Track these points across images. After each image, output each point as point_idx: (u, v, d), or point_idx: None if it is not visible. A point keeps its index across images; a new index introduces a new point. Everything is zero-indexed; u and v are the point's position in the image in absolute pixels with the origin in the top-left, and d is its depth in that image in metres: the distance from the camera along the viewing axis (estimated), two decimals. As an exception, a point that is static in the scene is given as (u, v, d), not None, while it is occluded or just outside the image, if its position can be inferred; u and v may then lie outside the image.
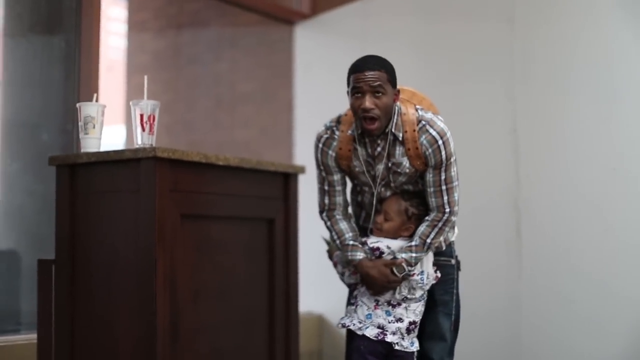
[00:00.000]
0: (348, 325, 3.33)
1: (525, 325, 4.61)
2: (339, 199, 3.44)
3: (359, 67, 3.15)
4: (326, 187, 3.43)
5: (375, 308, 3.29)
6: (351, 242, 3.35)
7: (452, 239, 3.47)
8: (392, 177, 3.30)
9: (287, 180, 3.78)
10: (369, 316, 3.28)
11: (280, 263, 3.71)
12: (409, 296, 3.28)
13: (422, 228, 3.27)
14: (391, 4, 5.46)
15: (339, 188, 3.43)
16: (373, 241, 3.34)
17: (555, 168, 4.56)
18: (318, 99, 5.92)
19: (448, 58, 5.11)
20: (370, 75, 3.10)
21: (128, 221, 3.17)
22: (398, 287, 3.26)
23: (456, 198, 3.29)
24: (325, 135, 3.37)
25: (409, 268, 3.24)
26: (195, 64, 7.35)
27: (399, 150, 3.24)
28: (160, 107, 3.31)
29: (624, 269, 4.29)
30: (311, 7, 6.21)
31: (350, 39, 5.74)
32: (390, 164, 3.26)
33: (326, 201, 3.44)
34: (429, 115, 3.23)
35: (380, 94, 3.11)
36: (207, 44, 7.32)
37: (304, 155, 5.69)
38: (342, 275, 3.44)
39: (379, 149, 3.26)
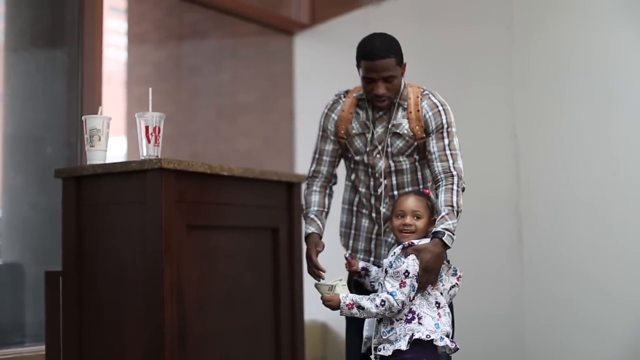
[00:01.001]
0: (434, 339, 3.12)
1: (528, 328, 4.64)
2: (323, 169, 3.53)
3: (368, 54, 3.30)
4: (317, 155, 3.55)
5: (439, 316, 3.14)
6: (311, 216, 3.46)
7: None
8: (390, 140, 3.36)
9: (291, 189, 3.82)
10: (437, 325, 3.12)
11: (284, 271, 3.74)
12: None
13: (442, 197, 3.23)
14: (390, 12, 5.49)
15: (326, 158, 3.53)
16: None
17: (555, 173, 4.59)
18: (319, 107, 5.89)
19: (448, 65, 5.15)
20: (381, 64, 3.26)
21: (134, 232, 3.20)
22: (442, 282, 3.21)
23: (461, 166, 3.32)
24: (332, 101, 3.56)
25: (453, 237, 3.18)
26: (196, 75, 7.38)
27: (400, 113, 3.36)
28: (163, 118, 3.35)
29: (624, 271, 4.32)
30: (310, 16, 6.25)
31: (350, 48, 5.70)
32: (390, 126, 3.35)
33: (312, 167, 3.56)
34: (436, 93, 3.41)
35: (391, 80, 3.28)
36: (208, 55, 7.35)
37: (305, 164, 5.70)
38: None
39: (380, 112, 3.39)
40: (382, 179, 3.39)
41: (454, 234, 3.16)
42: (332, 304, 3.06)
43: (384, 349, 3.08)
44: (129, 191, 3.23)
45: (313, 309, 4.61)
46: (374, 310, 3.02)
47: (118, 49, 8.46)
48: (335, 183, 3.59)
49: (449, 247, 3.15)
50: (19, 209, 4.99)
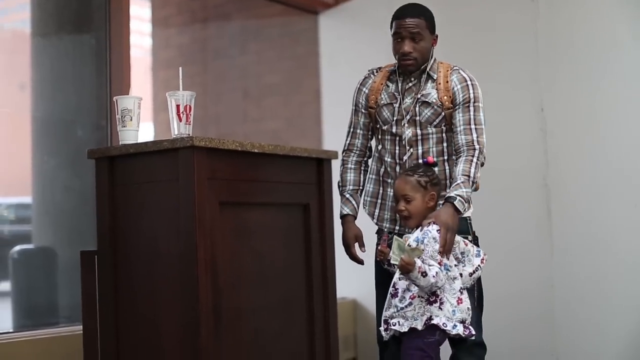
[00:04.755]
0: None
1: (558, 303, 4.65)
2: (357, 142, 3.67)
3: (400, 14, 3.46)
4: (351, 129, 3.69)
5: (458, 303, 3.16)
6: (347, 195, 3.64)
7: (469, 214, 3.45)
8: (419, 109, 3.42)
9: (320, 165, 3.83)
10: (454, 312, 3.15)
11: (316, 247, 3.76)
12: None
13: (460, 166, 3.31)
14: (414, -10, 5.49)
15: (359, 131, 3.66)
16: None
17: (583, 146, 4.59)
18: (344, 87, 5.90)
19: (473, 40, 5.14)
20: (410, 22, 3.41)
21: (168, 210, 3.23)
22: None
23: (484, 141, 3.38)
24: (364, 76, 3.68)
25: (466, 204, 3.25)
26: (221, 57, 7.40)
27: (430, 84, 3.45)
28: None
29: (656, 244, 4.32)
30: (334, -4, 6.25)
31: (375, 27, 5.77)
32: (419, 95, 3.43)
33: (347, 141, 3.69)
34: (466, 70, 3.49)
35: (418, 39, 3.41)
36: (232, 37, 7.37)
37: (332, 143, 5.72)
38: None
39: (410, 84, 3.47)
40: (408, 147, 3.44)
41: (466, 201, 3.23)
42: (409, 267, 3.01)
43: (398, 324, 3.12)
44: (162, 170, 3.26)
45: (344, 286, 4.65)
46: (431, 280, 3.04)
47: (142, 35, 8.49)
48: (370, 157, 3.68)
49: (460, 213, 3.22)
50: (51, 192, 5.05)
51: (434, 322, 3.08)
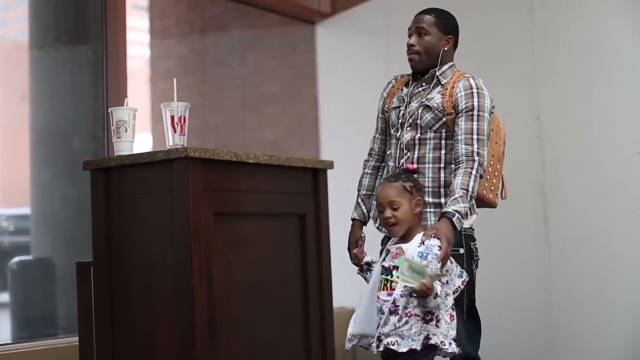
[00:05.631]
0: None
1: (555, 309, 4.64)
2: (376, 147, 3.66)
3: (416, 13, 3.51)
4: (374, 134, 3.69)
5: (451, 320, 3.09)
6: (358, 200, 3.62)
7: (467, 224, 3.37)
8: (421, 112, 3.38)
9: (317, 175, 3.83)
10: (448, 329, 3.09)
11: (312, 257, 3.76)
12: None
13: (459, 179, 3.21)
14: (411, -1, 5.51)
15: (378, 136, 3.66)
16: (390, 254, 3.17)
17: (580, 153, 4.59)
18: (342, 96, 5.97)
19: (470, 48, 5.11)
20: (418, 17, 3.48)
21: (163, 221, 3.24)
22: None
23: (485, 153, 3.29)
24: (389, 81, 3.67)
25: (463, 220, 3.17)
26: (219, 67, 7.42)
27: (437, 89, 3.42)
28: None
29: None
30: (331, 5, 6.26)
31: (372, 35, 5.79)
32: (424, 100, 3.40)
33: (370, 146, 3.69)
34: (478, 79, 3.45)
35: (423, 34, 3.43)
36: (230, 47, 7.39)
37: (331, 152, 5.75)
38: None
39: (420, 89, 3.45)
40: (405, 151, 3.41)
41: (464, 217, 3.17)
42: (429, 292, 2.91)
43: (396, 344, 3.01)
44: (157, 181, 3.27)
45: (341, 296, 4.64)
46: (439, 300, 2.97)
47: (141, 46, 8.51)
48: (387, 157, 3.61)
49: (456, 229, 3.15)
50: (49, 203, 5.06)
51: (432, 341, 3.00)
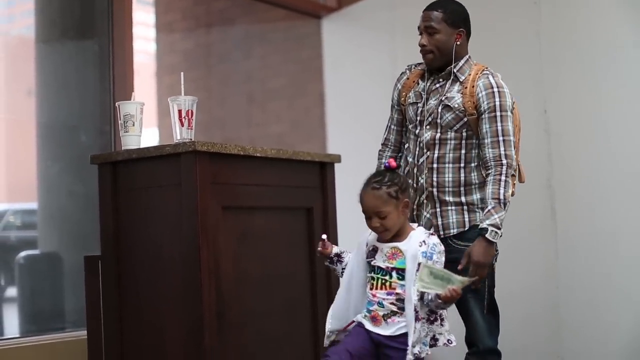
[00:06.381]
0: None
1: (563, 302, 4.64)
2: (391, 137, 3.61)
3: (424, 9, 3.42)
4: (388, 123, 3.63)
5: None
6: None
7: None
8: (441, 111, 3.33)
9: (324, 169, 3.84)
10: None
11: (320, 251, 3.76)
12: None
13: (489, 189, 3.22)
14: (417, -7, 5.50)
15: (393, 127, 3.60)
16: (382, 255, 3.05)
17: (588, 147, 4.59)
18: (348, 90, 5.97)
19: (476, 43, 5.10)
20: (425, 15, 3.39)
21: (170, 215, 3.25)
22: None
23: (513, 154, 3.28)
24: (402, 72, 3.60)
25: (499, 231, 3.19)
26: (225, 61, 7.42)
27: (457, 87, 3.36)
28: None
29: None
30: (337, 0, 6.26)
31: (378, 30, 5.78)
32: (443, 98, 3.35)
33: (384, 136, 3.63)
34: (497, 75, 3.40)
35: (432, 32, 3.35)
36: (236, 41, 7.39)
37: (337, 147, 5.74)
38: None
39: (437, 85, 3.40)
40: (425, 150, 3.37)
41: (499, 228, 3.19)
42: (456, 298, 2.84)
43: (420, 352, 2.93)
44: (164, 174, 3.28)
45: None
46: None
47: (146, 40, 8.51)
48: (404, 153, 3.57)
49: (494, 242, 3.19)
50: (56, 197, 5.06)
51: (440, 342, 2.98)
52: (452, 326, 3.44)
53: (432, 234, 3.04)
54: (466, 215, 3.33)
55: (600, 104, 4.55)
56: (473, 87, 3.32)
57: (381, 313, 2.98)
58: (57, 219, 5.07)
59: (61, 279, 5.03)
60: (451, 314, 3.42)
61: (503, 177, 3.23)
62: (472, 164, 3.34)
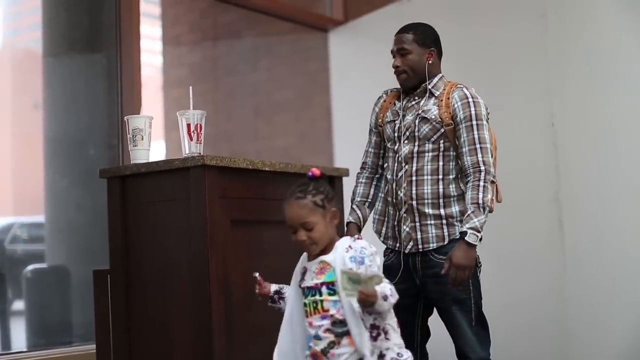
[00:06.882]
0: None
1: (571, 314, 4.63)
2: (369, 160, 3.66)
3: (395, 34, 3.56)
4: (366, 148, 3.69)
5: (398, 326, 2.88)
6: (353, 206, 3.58)
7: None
8: (418, 124, 3.40)
9: (332, 183, 3.84)
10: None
11: (328, 264, 3.75)
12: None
13: (469, 194, 3.29)
14: (424, 5, 5.50)
15: (371, 150, 3.66)
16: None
17: (595, 159, 4.59)
18: (355, 103, 5.96)
19: (483, 56, 5.15)
20: (397, 38, 3.52)
21: (179, 229, 3.24)
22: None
23: (490, 160, 3.35)
24: (379, 96, 3.69)
25: (479, 234, 3.22)
26: (232, 74, 7.43)
27: (432, 101, 3.44)
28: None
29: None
30: (344, 13, 6.28)
31: (385, 43, 5.73)
32: (420, 112, 3.42)
33: (362, 160, 3.69)
34: (471, 88, 3.47)
35: (405, 54, 3.46)
36: (243, 54, 7.40)
37: (344, 159, 5.74)
38: None
39: (413, 102, 3.48)
40: (403, 164, 3.43)
41: (479, 231, 3.24)
42: (372, 299, 2.63)
43: None
44: (173, 188, 3.27)
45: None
46: (392, 300, 2.71)
47: (153, 54, 8.53)
48: (383, 175, 3.63)
49: (474, 245, 3.23)
50: (64, 211, 5.07)
51: (388, 357, 2.76)
52: (440, 342, 3.47)
53: (358, 238, 2.86)
54: (445, 230, 3.36)
55: (608, 116, 4.55)
56: (448, 98, 3.42)
57: (319, 348, 2.76)
58: (65, 233, 5.08)
59: (69, 293, 5.04)
60: (439, 329, 3.45)
61: (482, 183, 3.30)
62: (450, 176, 3.40)
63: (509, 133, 4.77)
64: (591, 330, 4.55)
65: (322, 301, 2.77)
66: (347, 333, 2.73)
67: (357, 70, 6.04)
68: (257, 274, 3.01)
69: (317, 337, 2.77)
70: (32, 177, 5.24)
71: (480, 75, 5.07)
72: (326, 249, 2.85)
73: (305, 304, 2.84)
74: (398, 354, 2.80)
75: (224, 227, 3.22)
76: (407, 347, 3.24)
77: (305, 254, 2.95)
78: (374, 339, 2.74)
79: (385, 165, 3.58)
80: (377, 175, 3.64)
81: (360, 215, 3.55)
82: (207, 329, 3.12)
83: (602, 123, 4.58)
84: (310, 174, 2.91)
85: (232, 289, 3.22)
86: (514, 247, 4.79)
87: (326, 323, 2.75)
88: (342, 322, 2.74)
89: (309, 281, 2.84)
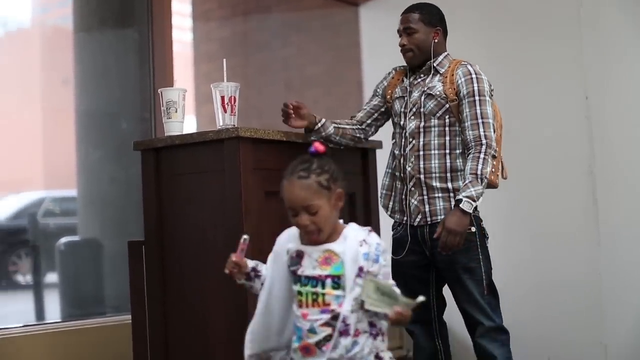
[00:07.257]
0: None
1: (605, 292, 4.60)
2: (359, 115, 3.77)
3: (402, 13, 3.65)
4: (364, 105, 3.83)
5: None
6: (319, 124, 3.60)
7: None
8: (423, 100, 3.50)
9: (365, 155, 3.85)
10: None
11: (361, 237, 3.75)
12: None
13: (468, 165, 3.37)
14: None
15: (366, 107, 3.79)
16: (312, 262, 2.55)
17: (629, 133, 4.55)
18: (386, 78, 5.94)
19: (516, 28, 5.11)
20: (403, 17, 3.63)
21: (214, 200, 3.26)
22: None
23: (492, 135, 3.42)
24: (388, 72, 3.82)
25: (474, 203, 3.31)
26: (262, 50, 7.41)
27: (437, 78, 3.56)
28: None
29: None
30: (374, -13, 6.23)
31: (416, 17, 5.75)
32: (425, 88, 3.52)
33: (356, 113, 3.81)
34: (475, 65, 3.56)
35: (411, 33, 3.57)
36: (273, 29, 7.38)
37: (376, 134, 5.74)
38: None
39: (419, 79, 3.59)
40: (410, 139, 3.52)
41: (475, 200, 3.33)
42: (405, 322, 2.41)
43: None
44: (207, 160, 3.29)
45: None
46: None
47: (182, 30, 8.54)
48: (364, 134, 3.75)
49: (468, 213, 3.31)
50: (96, 184, 5.11)
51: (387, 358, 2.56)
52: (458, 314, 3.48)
53: (370, 231, 2.58)
54: (453, 203, 3.43)
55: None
56: (452, 75, 3.52)
57: (313, 341, 2.50)
58: (98, 206, 5.12)
59: (101, 265, 5.07)
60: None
61: (482, 155, 3.39)
62: (457, 151, 3.49)
63: (543, 106, 4.77)
64: (627, 305, 4.53)
65: (324, 294, 2.49)
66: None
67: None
68: (246, 237, 2.65)
69: (312, 331, 2.49)
70: (64, 152, 5.27)
71: (513, 46, 5.04)
72: (330, 236, 2.54)
73: (300, 293, 2.53)
74: (390, 357, 2.57)
75: (258, 198, 3.23)
76: (424, 318, 3.52)
77: (290, 231, 2.67)
78: (374, 337, 2.53)
79: (393, 140, 3.66)
80: (357, 127, 3.72)
81: (324, 120, 3.62)
82: (242, 299, 3.13)
83: (637, 96, 4.53)
84: (313, 149, 2.60)
85: (265, 259, 3.22)
86: (548, 222, 4.76)
87: (325, 317, 2.48)
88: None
89: (310, 269, 2.53)
